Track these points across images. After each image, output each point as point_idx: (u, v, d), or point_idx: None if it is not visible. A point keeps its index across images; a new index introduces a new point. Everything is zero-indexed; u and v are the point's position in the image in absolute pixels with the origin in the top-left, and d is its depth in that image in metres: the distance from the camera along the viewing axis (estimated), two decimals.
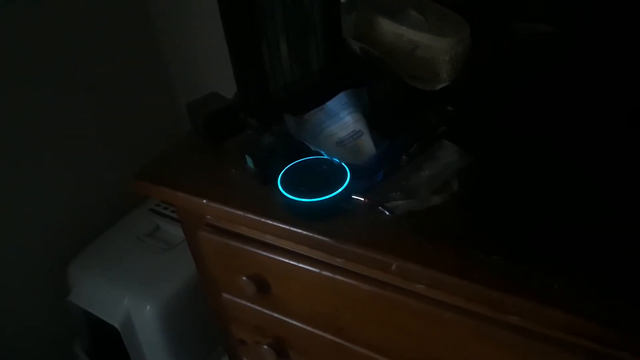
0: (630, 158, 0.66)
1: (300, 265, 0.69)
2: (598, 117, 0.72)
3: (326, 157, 0.67)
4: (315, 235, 0.62)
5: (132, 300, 1.17)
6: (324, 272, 0.67)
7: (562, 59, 0.80)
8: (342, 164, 0.65)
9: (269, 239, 0.71)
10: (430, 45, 0.74)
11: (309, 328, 0.77)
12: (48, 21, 1.17)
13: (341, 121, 0.71)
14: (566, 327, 0.52)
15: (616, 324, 0.49)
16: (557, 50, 0.81)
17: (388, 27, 0.75)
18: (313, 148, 0.68)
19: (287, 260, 0.70)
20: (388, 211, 0.62)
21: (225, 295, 0.83)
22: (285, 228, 0.64)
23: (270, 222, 0.65)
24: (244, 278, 0.73)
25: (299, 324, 0.77)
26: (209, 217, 0.75)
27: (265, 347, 0.83)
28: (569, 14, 0.81)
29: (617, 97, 0.74)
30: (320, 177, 0.65)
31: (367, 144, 0.69)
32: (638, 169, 0.64)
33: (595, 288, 0.51)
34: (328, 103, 0.73)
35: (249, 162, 0.69)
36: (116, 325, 1.17)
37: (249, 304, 0.81)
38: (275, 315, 0.79)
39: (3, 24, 1.09)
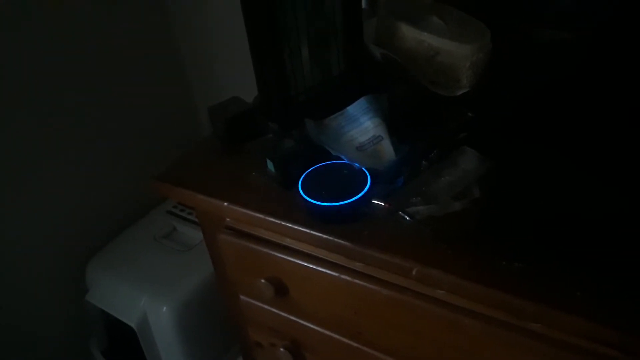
0: None
1: (320, 268, 0.69)
2: (620, 124, 0.71)
3: (347, 161, 0.67)
4: (335, 239, 0.62)
5: (148, 301, 1.18)
6: (343, 276, 0.67)
7: (582, 65, 0.80)
8: (363, 168, 0.65)
9: (289, 242, 0.71)
10: (451, 52, 0.74)
11: (327, 331, 0.77)
12: (66, 25, 1.18)
13: (361, 126, 0.71)
14: (588, 335, 0.52)
15: (639, 332, 0.48)
16: (578, 57, 0.81)
17: (409, 33, 0.76)
18: (333, 152, 0.68)
19: (306, 264, 0.70)
20: (408, 216, 0.62)
21: (242, 297, 0.84)
22: (305, 231, 0.64)
23: (290, 225, 0.65)
24: (263, 280, 0.74)
25: (316, 328, 0.78)
26: (228, 219, 0.76)
27: (281, 349, 0.83)
28: (589, 21, 0.81)
29: (636, 104, 0.74)
30: (340, 181, 0.65)
31: (387, 149, 0.69)
32: None
33: (618, 296, 0.51)
34: (348, 108, 0.73)
35: (270, 165, 0.70)
36: (133, 325, 1.18)
37: (267, 307, 0.81)
38: (293, 318, 0.79)
39: (18, 22, 1.10)
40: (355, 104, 0.73)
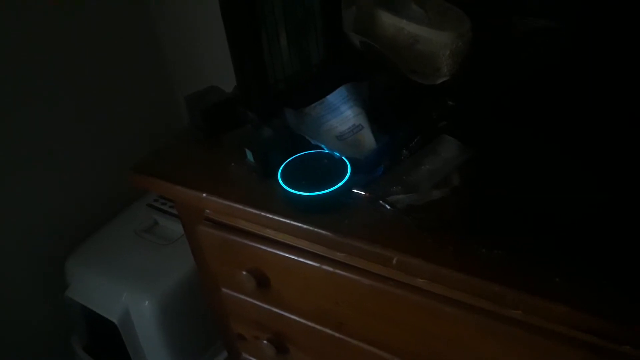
0: (630, 152, 0.66)
1: (301, 259, 0.68)
2: (597, 111, 0.72)
3: (326, 150, 0.67)
4: (316, 229, 0.62)
5: (130, 296, 1.17)
6: (324, 267, 0.67)
7: (561, 53, 0.80)
8: (343, 157, 0.65)
9: (269, 233, 0.70)
10: (431, 39, 0.74)
11: (309, 323, 0.76)
12: (45, 15, 1.16)
13: (341, 115, 0.71)
14: (568, 321, 0.52)
15: (617, 318, 0.49)
16: (557, 45, 0.81)
17: (388, 21, 0.75)
18: (313, 142, 0.67)
19: (287, 255, 0.69)
20: (389, 205, 0.61)
21: (224, 290, 0.83)
22: (285, 222, 0.63)
23: (270, 215, 0.64)
24: (244, 273, 0.73)
25: (298, 319, 0.77)
26: (208, 211, 0.75)
27: (264, 342, 0.82)
28: (569, 9, 0.81)
29: (616, 92, 0.74)
30: (320, 170, 0.64)
31: (368, 138, 0.69)
32: (638, 163, 0.64)
33: (596, 282, 0.51)
34: (328, 97, 0.72)
35: (249, 155, 0.69)
36: (114, 320, 1.16)
37: (249, 299, 0.81)
38: (275, 310, 0.79)
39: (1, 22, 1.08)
40: (335, 92, 0.72)
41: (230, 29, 0.68)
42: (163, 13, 1.38)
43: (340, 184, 0.62)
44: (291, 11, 0.70)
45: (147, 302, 1.15)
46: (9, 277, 1.23)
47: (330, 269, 0.67)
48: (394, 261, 0.57)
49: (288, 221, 0.63)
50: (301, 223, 0.62)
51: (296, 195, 0.62)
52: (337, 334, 0.75)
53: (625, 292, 0.50)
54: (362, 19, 0.79)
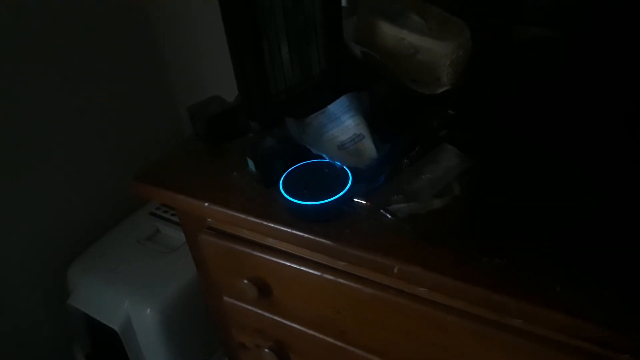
0: (631, 160, 0.66)
1: (302, 268, 0.69)
2: (597, 119, 0.72)
3: (328, 160, 0.67)
4: (317, 238, 0.62)
5: (132, 304, 1.17)
6: (326, 275, 0.67)
7: (561, 62, 0.80)
8: (344, 167, 0.65)
9: (271, 242, 0.71)
10: (431, 49, 0.74)
11: (311, 331, 0.77)
12: (48, 23, 1.17)
13: (342, 125, 0.71)
14: (568, 330, 0.52)
15: (618, 327, 0.49)
16: (557, 54, 0.81)
17: (389, 31, 0.76)
18: (315, 151, 0.68)
19: (288, 264, 0.70)
20: (390, 214, 0.62)
21: (226, 298, 0.83)
22: (287, 231, 0.64)
23: (272, 224, 0.65)
24: (245, 281, 0.73)
25: (300, 327, 0.77)
26: (210, 220, 0.75)
27: (266, 350, 0.83)
28: (568, 18, 0.81)
29: (615, 99, 0.74)
30: (322, 180, 0.65)
31: (369, 147, 0.69)
32: (638, 171, 0.64)
33: (597, 291, 0.51)
34: (329, 106, 0.73)
35: (251, 165, 0.69)
36: (116, 328, 1.17)
37: (250, 307, 0.81)
38: (277, 318, 0.79)
39: (2, 25, 1.09)
40: (336, 102, 0.73)
41: (231, 38, 0.68)
42: (165, 22, 1.39)
43: (341, 193, 0.62)
44: (292, 21, 0.70)
45: (148, 310, 1.15)
46: (10, 285, 1.23)
47: (332, 277, 0.67)
48: (395, 270, 0.58)
49: (289, 230, 0.64)
50: (302, 232, 0.63)
51: (298, 205, 0.63)
52: (338, 343, 0.75)
53: (625, 300, 0.50)
54: (363, 29, 0.79)
